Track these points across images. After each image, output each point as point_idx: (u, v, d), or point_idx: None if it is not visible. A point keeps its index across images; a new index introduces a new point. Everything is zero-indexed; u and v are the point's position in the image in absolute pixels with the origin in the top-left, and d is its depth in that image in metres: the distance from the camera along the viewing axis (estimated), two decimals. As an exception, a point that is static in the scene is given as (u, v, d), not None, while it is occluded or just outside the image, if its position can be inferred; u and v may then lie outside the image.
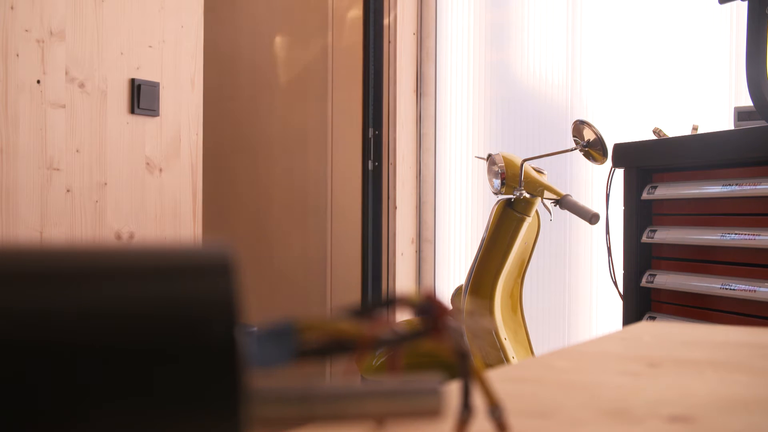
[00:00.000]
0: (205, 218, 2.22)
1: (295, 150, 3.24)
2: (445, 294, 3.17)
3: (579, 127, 2.26)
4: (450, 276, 3.48)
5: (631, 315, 1.82)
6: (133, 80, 1.92)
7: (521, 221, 2.33)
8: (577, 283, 3.06)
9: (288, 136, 3.28)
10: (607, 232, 2.09)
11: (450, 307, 0.29)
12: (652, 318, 1.77)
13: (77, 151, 1.81)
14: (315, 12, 3.27)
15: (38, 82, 1.75)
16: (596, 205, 2.62)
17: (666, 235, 1.75)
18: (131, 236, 1.92)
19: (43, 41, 1.75)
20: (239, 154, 3.27)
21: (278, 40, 3.30)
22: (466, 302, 2.33)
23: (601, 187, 2.77)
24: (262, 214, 3.32)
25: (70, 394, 0.22)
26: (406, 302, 0.30)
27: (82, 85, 1.82)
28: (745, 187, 1.57)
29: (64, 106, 1.79)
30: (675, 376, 0.48)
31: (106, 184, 1.87)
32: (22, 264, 0.23)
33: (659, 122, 2.36)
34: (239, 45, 3.39)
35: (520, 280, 2.41)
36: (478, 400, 0.35)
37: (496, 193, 2.37)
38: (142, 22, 1.94)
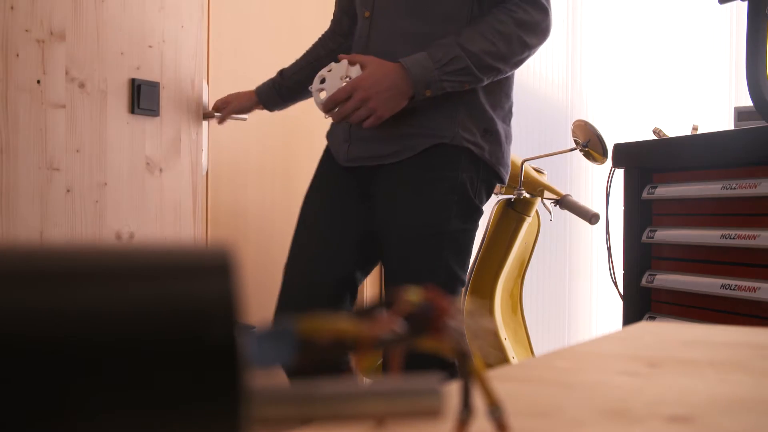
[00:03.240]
0: (208, 218, 2.22)
1: (300, 148, 3.24)
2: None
3: (579, 127, 2.26)
4: (450, 276, 3.47)
5: (631, 315, 1.82)
6: (133, 80, 1.92)
7: (521, 221, 2.33)
8: (577, 283, 3.05)
9: (293, 135, 3.28)
10: (607, 232, 2.09)
11: (450, 307, 0.29)
12: (652, 318, 1.77)
13: (77, 151, 1.81)
14: (317, 11, 3.27)
15: (38, 82, 1.75)
16: (596, 205, 2.62)
17: (666, 235, 1.75)
18: (131, 236, 1.92)
19: (43, 41, 1.75)
20: (242, 153, 3.28)
21: (281, 38, 3.30)
22: (466, 302, 2.32)
23: (601, 187, 2.76)
24: (266, 213, 3.32)
25: (70, 394, 0.22)
26: (406, 302, 0.30)
27: (82, 85, 1.82)
28: (745, 188, 1.57)
29: (64, 106, 1.79)
30: (675, 376, 0.48)
31: (106, 184, 1.87)
32: (21, 264, 0.23)
33: (659, 122, 2.36)
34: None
35: (520, 280, 2.41)
36: (478, 400, 0.35)
37: (496, 193, 2.37)
38: (142, 22, 1.94)
